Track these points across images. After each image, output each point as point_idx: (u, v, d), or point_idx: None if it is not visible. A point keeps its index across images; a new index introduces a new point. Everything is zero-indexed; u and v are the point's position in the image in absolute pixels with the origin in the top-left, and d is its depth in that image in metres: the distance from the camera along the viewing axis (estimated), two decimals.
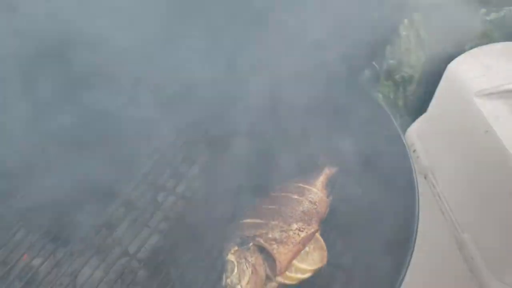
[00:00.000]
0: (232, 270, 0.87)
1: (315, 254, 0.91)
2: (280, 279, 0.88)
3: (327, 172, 1.04)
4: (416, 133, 1.37)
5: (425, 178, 1.32)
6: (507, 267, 1.09)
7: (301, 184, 1.00)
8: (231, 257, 0.88)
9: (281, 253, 0.87)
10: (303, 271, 0.89)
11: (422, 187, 1.07)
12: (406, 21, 2.60)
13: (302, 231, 0.91)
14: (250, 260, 0.86)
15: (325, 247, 0.93)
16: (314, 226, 0.92)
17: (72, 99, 1.09)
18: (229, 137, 1.08)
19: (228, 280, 0.86)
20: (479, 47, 1.23)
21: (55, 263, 1.04)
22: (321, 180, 1.02)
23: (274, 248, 0.87)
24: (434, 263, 1.30)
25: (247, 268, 0.85)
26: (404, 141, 1.00)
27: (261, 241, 0.88)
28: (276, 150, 1.10)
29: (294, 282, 0.90)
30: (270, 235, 0.89)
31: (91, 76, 1.08)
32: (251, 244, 0.88)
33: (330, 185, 1.05)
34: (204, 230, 1.02)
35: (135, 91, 1.12)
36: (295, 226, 0.91)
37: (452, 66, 1.20)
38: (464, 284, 1.16)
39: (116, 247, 1.08)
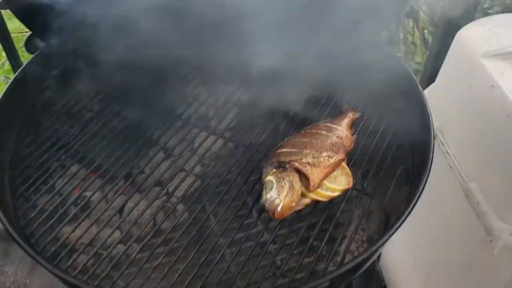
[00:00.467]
0: (272, 187, 0.98)
1: (342, 177, 1.04)
2: (313, 195, 1.00)
3: (350, 116, 1.17)
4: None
5: (434, 138, 1.44)
6: (510, 209, 1.21)
7: (328, 124, 1.13)
8: (270, 177, 1.01)
9: (314, 173, 0.99)
10: (333, 190, 1.01)
11: None
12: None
13: (331, 157, 1.03)
14: (287, 178, 0.98)
15: (350, 174, 1.05)
16: (341, 155, 1.05)
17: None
18: (265, 83, 1.21)
19: (268, 195, 0.98)
20: (487, 17, 1.36)
21: (102, 196, 1.15)
22: (346, 121, 1.15)
23: (308, 169, 1.00)
24: (444, 210, 1.43)
25: (285, 184, 0.97)
26: (421, 90, 1.12)
27: (296, 164, 1.01)
28: (306, 98, 1.24)
29: (325, 199, 1.02)
30: (304, 160, 1.02)
31: None
32: (287, 166, 1.01)
33: (354, 127, 1.18)
34: (237, 171, 1.14)
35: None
36: (325, 154, 1.04)
37: (460, 33, 1.34)
38: (471, 227, 1.28)
39: (156, 187, 1.18)
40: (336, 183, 1.02)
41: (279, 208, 0.96)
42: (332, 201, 1.04)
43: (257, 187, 1.09)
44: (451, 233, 1.43)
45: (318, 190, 1.00)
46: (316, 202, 1.03)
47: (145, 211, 1.10)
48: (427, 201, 1.49)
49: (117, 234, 1.10)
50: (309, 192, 0.99)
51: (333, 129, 1.11)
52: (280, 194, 0.96)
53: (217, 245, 0.99)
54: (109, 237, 1.04)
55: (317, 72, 1.22)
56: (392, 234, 0.89)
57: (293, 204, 0.97)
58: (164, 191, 1.16)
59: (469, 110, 1.31)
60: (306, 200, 1.00)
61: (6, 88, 1.13)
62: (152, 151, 1.26)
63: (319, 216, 1.04)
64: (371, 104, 1.21)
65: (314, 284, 0.83)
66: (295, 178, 0.99)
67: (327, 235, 1.00)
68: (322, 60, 1.21)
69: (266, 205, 0.98)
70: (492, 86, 1.20)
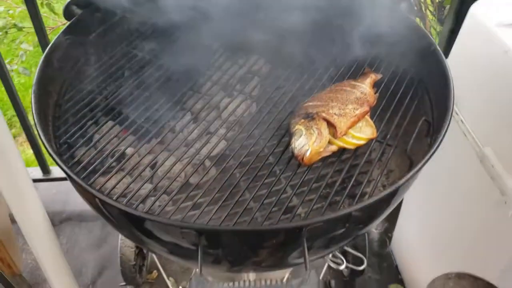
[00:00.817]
0: (300, 135, 1.04)
1: (367, 128, 1.10)
2: (339, 142, 1.06)
3: (373, 76, 1.24)
4: None
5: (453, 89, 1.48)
6: None
7: (352, 82, 1.20)
8: (298, 126, 1.06)
9: (341, 121, 1.05)
10: (358, 138, 1.07)
11: None
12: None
13: (357, 109, 1.09)
14: (315, 126, 1.04)
15: (374, 126, 1.11)
16: (366, 108, 1.11)
17: None
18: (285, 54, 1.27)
19: (297, 143, 1.04)
20: None
21: (135, 152, 1.21)
22: (368, 81, 1.21)
23: (335, 118, 1.06)
24: (458, 177, 1.48)
25: (314, 131, 1.03)
26: (438, 49, 1.19)
27: (324, 114, 1.07)
28: (327, 63, 1.31)
29: (351, 146, 1.08)
30: (330, 111, 1.08)
31: None
32: (315, 116, 1.07)
33: (376, 87, 1.24)
34: (261, 132, 1.19)
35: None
36: (350, 106, 1.10)
37: (473, 7, 1.41)
38: (486, 190, 1.34)
39: (184, 146, 1.23)
40: (361, 133, 1.08)
41: (307, 153, 1.02)
42: (353, 162, 1.09)
43: (278, 150, 1.14)
44: (465, 200, 1.49)
45: (345, 137, 1.06)
46: (341, 151, 1.09)
47: (175, 164, 1.15)
48: (441, 171, 1.56)
49: (149, 186, 1.15)
50: (336, 138, 1.05)
51: (357, 86, 1.17)
52: (309, 140, 1.02)
53: (243, 199, 1.05)
54: (140, 188, 1.09)
55: (337, 38, 1.28)
56: (415, 173, 0.94)
57: (321, 149, 1.03)
58: (192, 149, 1.21)
59: (483, 78, 1.38)
60: (333, 147, 1.06)
61: (48, 47, 1.20)
62: (180, 113, 1.32)
63: (339, 175, 1.08)
64: (392, 66, 1.27)
65: (332, 216, 0.88)
66: (323, 125, 1.05)
67: (347, 191, 1.04)
68: (342, 27, 1.28)
69: (295, 151, 1.04)
70: (506, 51, 1.26)
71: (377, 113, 1.18)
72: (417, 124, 1.12)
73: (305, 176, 1.07)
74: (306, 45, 1.38)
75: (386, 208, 1.04)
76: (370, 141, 1.10)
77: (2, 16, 3.29)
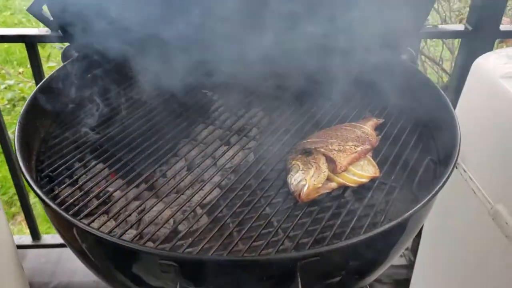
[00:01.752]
0: (297, 170, 0.97)
1: (369, 167, 1.02)
2: (339, 179, 0.98)
3: (374, 120, 1.19)
4: None
5: (456, 167, 1.42)
6: None
7: (352, 123, 1.14)
8: (296, 162, 1.00)
9: (341, 156, 0.98)
10: (360, 176, 0.99)
11: (453, 174, 1.16)
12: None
13: (358, 147, 1.03)
14: (313, 161, 0.97)
15: (377, 166, 1.04)
16: (367, 146, 1.04)
17: None
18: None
19: (293, 178, 0.96)
20: (502, 48, 1.43)
21: (125, 197, 1.14)
22: (370, 123, 1.16)
23: (335, 153, 0.99)
24: (470, 237, 1.38)
25: (311, 166, 0.96)
26: (441, 92, 1.15)
27: (322, 149, 1.00)
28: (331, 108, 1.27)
29: (352, 184, 0.99)
30: (329, 147, 1.02)
31: None
32: (313, 151, 1.00)
33: (380, 130, 1.19)
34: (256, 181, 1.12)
35: None
36: (350, 143, 1.04)
37: (478, 60, 1.39)
38: (501, 249, 1.23)
39: (175, 192, 1.16)
40: (363, 171, 1.01)
41: (305, 189, 0.94)
42: (353, 207, 1.01)
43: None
44: (480, 264, 1.37)
45: (345, 174, 0.98)
46: (343, 189, 1.01)
47: (163, 210, 1.07)
48: (451, 236, 1.46)
49: (134, 231, 1.07)
50: (335, 174, 0.98)
51: (358, 126, 1.12)
52: (306, 175, 0.95)
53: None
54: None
55: (338, 87, 1.25)
56: (424, 205, 0.86)
57: (319, 185, 0.96)
58: (184, 196, 1.14)
59: (489, 132, 1.32)
60: (333, 184, 0.99)
61: (42, 82, 1.18)
62: (173, 159, 1.26)
63: (337, 218, 0.97)
64: (395, 111, 1.23)
65: (331, 247, 0.79)
66: (322, 160, 0.98)
67: (347, 232, 0.94)
68: (343, 75, 1.25)
69: (292, 187, 0.96)
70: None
71: (380, 155, 1.11)
72: (422, 167, 1.05)
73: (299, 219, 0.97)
74: (307, 96, 1.34)
75: (393, 246, 0.93)
76: (373, 180, 1.02)
77: (12, 88, 3.37)
